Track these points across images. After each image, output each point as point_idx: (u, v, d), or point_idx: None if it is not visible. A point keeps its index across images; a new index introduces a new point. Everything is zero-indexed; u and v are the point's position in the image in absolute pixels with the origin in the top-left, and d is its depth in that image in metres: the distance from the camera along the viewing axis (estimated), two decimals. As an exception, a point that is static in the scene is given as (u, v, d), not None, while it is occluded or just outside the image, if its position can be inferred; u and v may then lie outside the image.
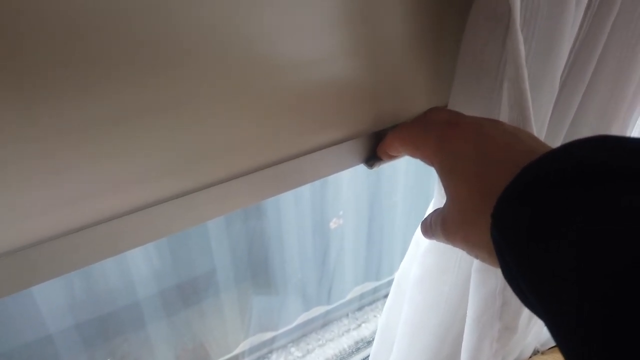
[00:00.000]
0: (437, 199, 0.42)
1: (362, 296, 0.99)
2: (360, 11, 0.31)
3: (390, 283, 1.03)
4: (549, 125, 0.39)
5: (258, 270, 0.91)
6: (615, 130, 0.41)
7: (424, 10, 0.34)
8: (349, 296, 0.97)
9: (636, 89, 0.41)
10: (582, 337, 0.18)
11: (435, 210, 0.32)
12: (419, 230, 0.47)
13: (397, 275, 0.51)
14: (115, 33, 0.24)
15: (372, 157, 0.40)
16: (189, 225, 0.32)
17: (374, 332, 0.99)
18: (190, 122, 0.28)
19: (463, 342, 0.44)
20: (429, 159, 0.32)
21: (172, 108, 0.27)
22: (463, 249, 0.29)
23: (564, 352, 0.20)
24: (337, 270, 0.93)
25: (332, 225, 0.91)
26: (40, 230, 0.27)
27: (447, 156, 0.30)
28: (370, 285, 1.00)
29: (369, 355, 0.93)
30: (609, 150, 0.22)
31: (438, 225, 0.31)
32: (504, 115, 0.35)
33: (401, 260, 1.02)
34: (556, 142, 0.42)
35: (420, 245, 0.45)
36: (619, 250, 0.18)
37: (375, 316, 1.00)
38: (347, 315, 0.99)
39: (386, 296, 1.06)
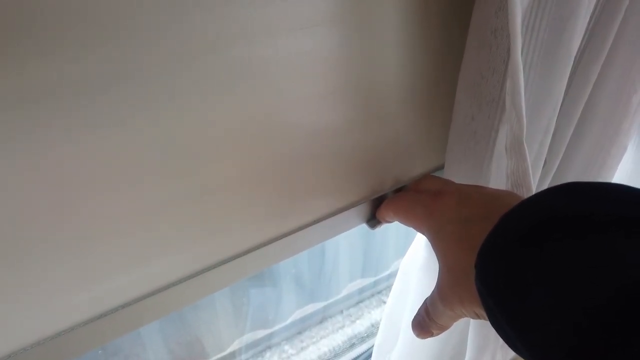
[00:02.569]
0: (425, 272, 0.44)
1: (357, 292, 0.99)
2: (357, 84, 0.33)
3: (385, 279, 1.02)
4: (558, 118, 0.39)
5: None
6: (624, 128, 0.40)
7: (416, 84, 0.36)
8: (343, 292, 0.97)
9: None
10: None
11: (423, 303, 0.34)
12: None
13: (402, 263, 0.51)
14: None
15: (374, 218, 0.42)
16: (201, 297, 0.34)
17: (368, 329, 0.99)
18: (214, 209, 0.31)
19: (468, 342, 0.43)
20: (418, 228, 0.34)
21: (196, 196, 0.30)
22: (462, 312, 0.30)
23: None
24: (332, 267, 0.92)
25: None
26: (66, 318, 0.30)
27: (433, 224, 0.32)
28: (365, 282, 1.00)
29: (363, 352, 0.93)
30: (578, 198, 0.23)
31: (436, 299, 0.31)
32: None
33: (396, 256, 1.00)
34: (564, 137, 0.42)
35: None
36: (588, 299, 0.19)
37: (369, 313, 1.00)
38: (342, 312, 0.99)
39: (381, 292, 1.06)
